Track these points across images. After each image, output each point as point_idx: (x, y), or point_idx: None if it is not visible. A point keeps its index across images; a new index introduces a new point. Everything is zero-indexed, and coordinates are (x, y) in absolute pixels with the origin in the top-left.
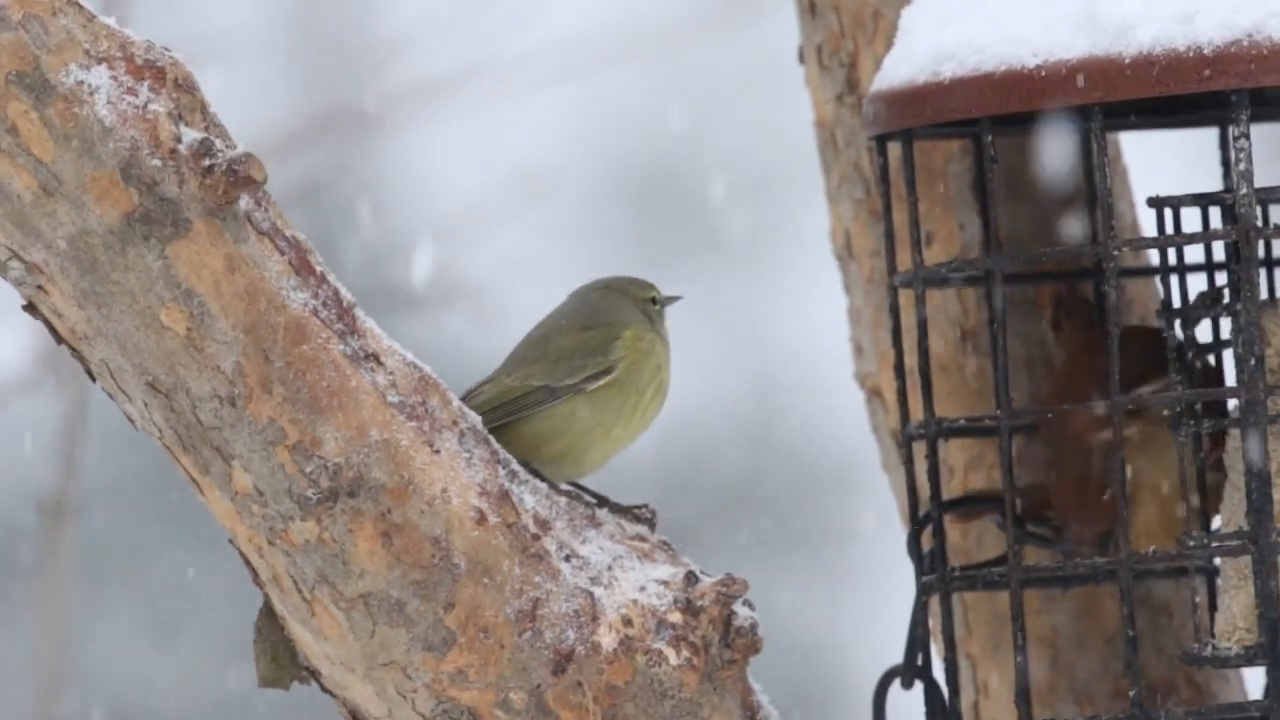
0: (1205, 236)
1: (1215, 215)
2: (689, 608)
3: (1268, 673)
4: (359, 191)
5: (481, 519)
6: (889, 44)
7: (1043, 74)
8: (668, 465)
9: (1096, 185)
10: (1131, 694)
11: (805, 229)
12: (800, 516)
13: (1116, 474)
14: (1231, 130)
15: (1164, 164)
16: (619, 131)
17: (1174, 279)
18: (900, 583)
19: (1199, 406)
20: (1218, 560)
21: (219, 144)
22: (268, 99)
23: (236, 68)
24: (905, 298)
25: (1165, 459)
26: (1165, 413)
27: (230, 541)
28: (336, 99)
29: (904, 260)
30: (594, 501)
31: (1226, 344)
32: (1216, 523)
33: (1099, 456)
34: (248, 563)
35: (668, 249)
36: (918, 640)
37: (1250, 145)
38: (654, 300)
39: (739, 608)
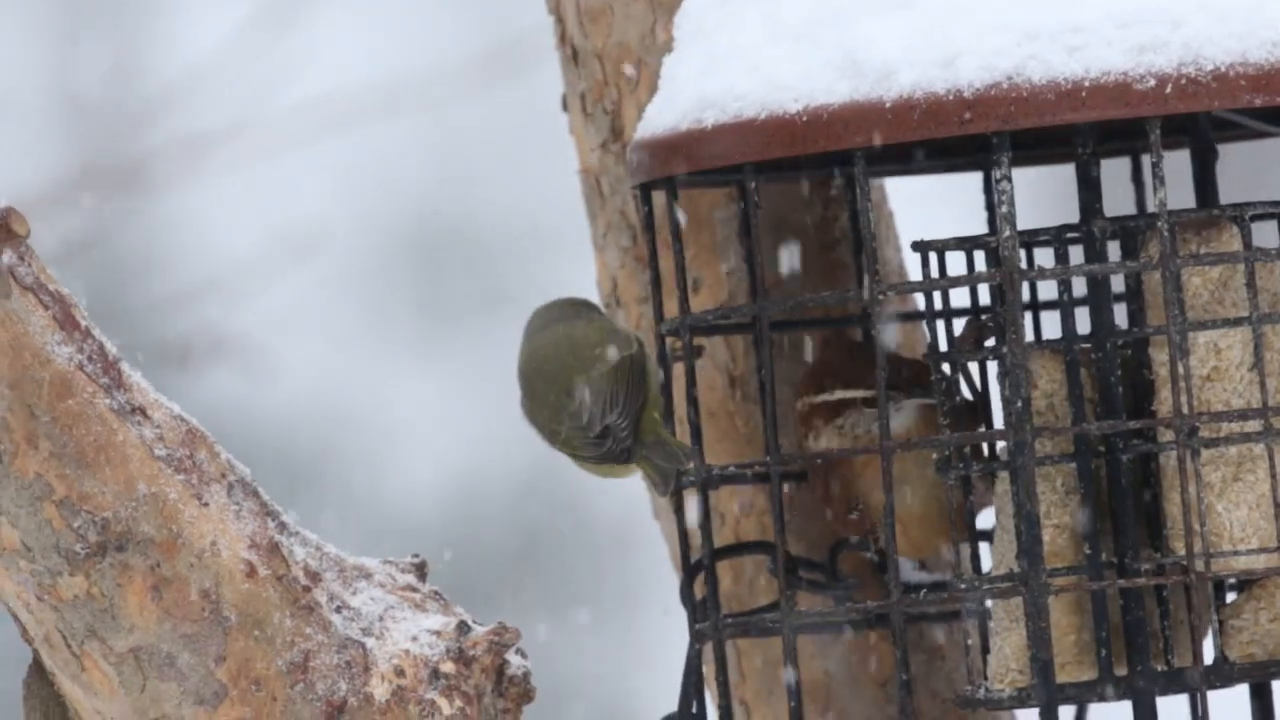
0: (970, 279)
1: (980, 259)
2: (461, 657)
3: (1040, 714)
4: (129, 247)
5: (251, 571)
6: (652, 92)
7: (804, 119)
8: (449, 522)
9: (861, 230)
10: None
11: (581, 279)
12: (578, 568)
13: (873, 500)
14: (994, 173)
15: (929, 208)
16: (389, 186)
17: (940, 323)
18: (676, 630)
19: (968, 449)
20: (989, 602)
21: None
22: (35, 155)
23: (2, 125)
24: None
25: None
26: (934, 455)
27: None
28: (103, 155)
29: (671, 308)
30: None
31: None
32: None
33: (841, 478)
34: (16, 619)
35: (446, 305)
36: (692, 688)
37: (1012, 188)
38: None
39: (511, 656)
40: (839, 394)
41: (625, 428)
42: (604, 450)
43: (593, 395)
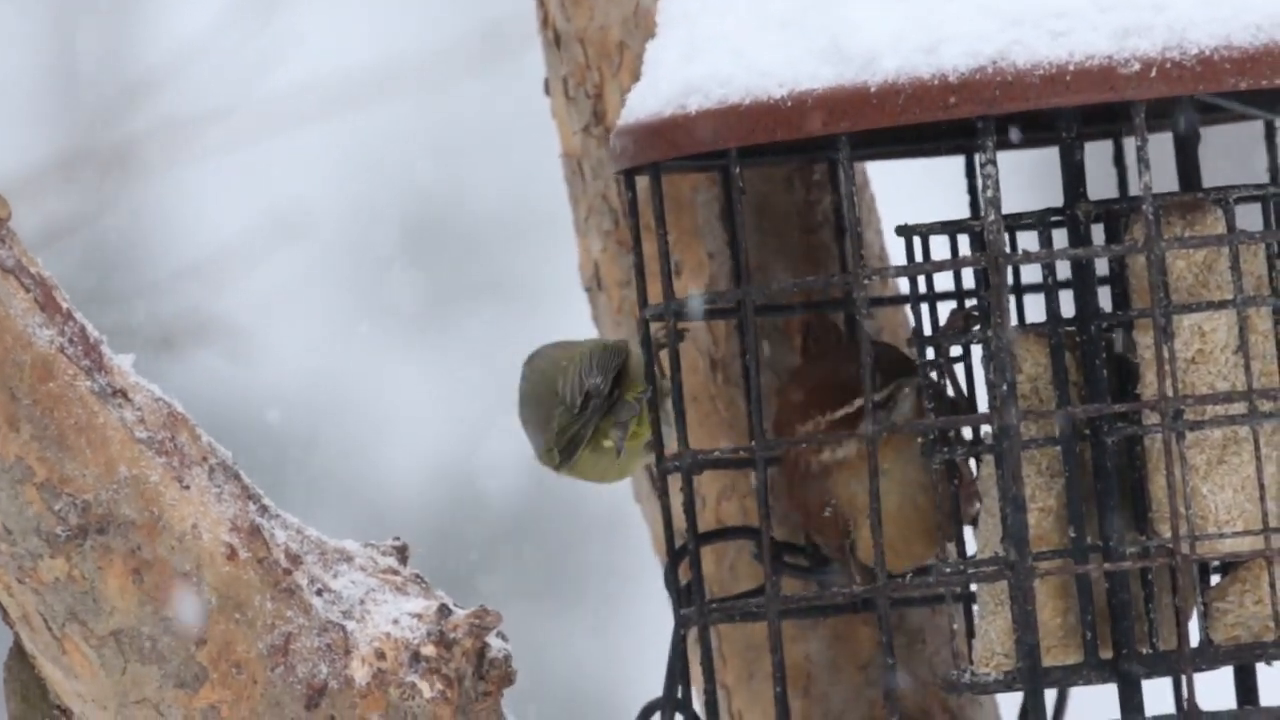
0: (954, 263)
1: (964, 243)
2: (442, 640)
3: (1025, 698)
4: (116, 230)
5: (232, 554)
6: (635, 76)
7: (788, 104)
8: (442, 506)
9: (844, 214)
10: None
11: (568, 263)
12: (565, 554)
13: (846, 493)
14: (978, 157)
15: (912, 192)
16: (377, 170)
17: (924, 307)
18: (661, 615)
19: (952, 433)
20: (974, 586)
21: None
22: (22, 138)
23: None
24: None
25: (895, 475)
26: (919, 439)
27: None
28: (91, 138)
29: (654, 292)
30: None
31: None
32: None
33: (816, 478)
34: None
35: (434, 289)
36: (676, 673)
37: (997, 172)
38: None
39: (492, 640)
40: (858, 403)
41: (601, 386)
42: (588, 414)
43: (573, 371)
